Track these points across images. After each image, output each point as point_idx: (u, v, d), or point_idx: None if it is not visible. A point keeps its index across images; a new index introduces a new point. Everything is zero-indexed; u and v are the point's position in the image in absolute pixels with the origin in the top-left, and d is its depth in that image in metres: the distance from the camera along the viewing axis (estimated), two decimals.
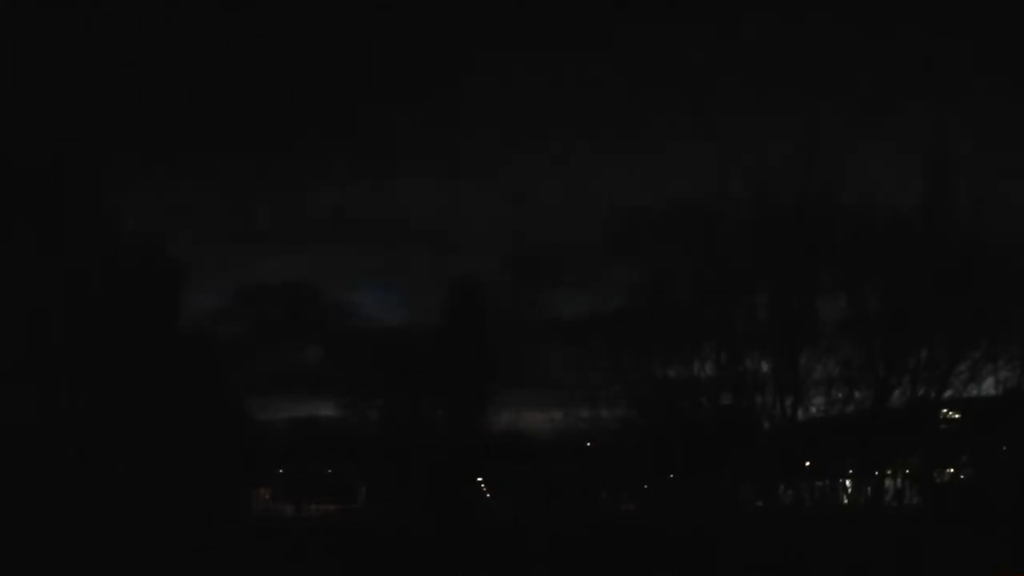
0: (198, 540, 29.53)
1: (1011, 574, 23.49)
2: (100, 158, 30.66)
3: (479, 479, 47.22)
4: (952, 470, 30.57)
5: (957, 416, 29.15)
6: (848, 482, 28.19)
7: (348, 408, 44.57)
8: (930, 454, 29.16)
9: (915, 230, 26.39)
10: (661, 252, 28.37)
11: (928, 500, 28.92)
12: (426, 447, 42.27)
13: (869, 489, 26.95)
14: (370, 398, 44.09)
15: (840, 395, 26.58)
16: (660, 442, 29.12)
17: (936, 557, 24.45)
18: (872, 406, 26.29)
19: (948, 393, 26.56)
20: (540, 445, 43.56)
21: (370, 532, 36.27)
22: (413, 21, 66.45)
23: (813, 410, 27.17)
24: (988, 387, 26.69)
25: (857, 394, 26.47)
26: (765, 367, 26.80)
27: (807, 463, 28.69)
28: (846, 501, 27.99)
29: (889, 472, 27.45)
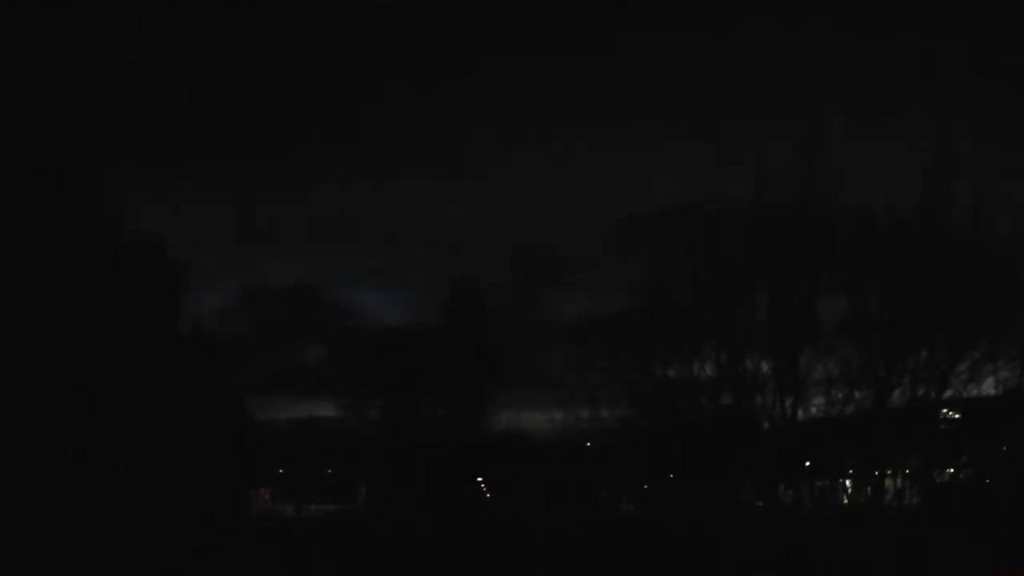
0: (198, 540, 29.52)
1: (1011, 574, 23.50)
2: (100, 158, 30.70)
3: (479, 479, 47.22)
4: (952, 470, 30.55)
5: (957, 416, 29.14)
6: (848, 482, 28.18)
7: (348, 408, 44.62)
8: (930, 454, 29.15)
9: (915, 230, 26.38)
10: (661, 252, 28.40)
11: (928, 500, 28.91)
12: (426, 447, 42.28)
13: (869, 489, 26.94)
14: (370, 398, 44.12)
15: (840, 395, 26.61)
16: (660, 442, 29.12)
17: (936, 557, 24.45)
18: (872, 406, 26.28)
19: (948, 393, 26.56)
20: (540, 445, 43.57)
21: (370, 532, 36.27)
22: (413, 22, 66.48)
23: (813, 410, 27.20)
24: (988, 387, 26.71)
25: (857, 394, 26.48)
26: (765, 367, 26.82)
27: (807, 463, 28.69)
28: (846, 501, 27.98)
29: (889, 472, 27.44)
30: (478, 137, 75.25)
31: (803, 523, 26.90)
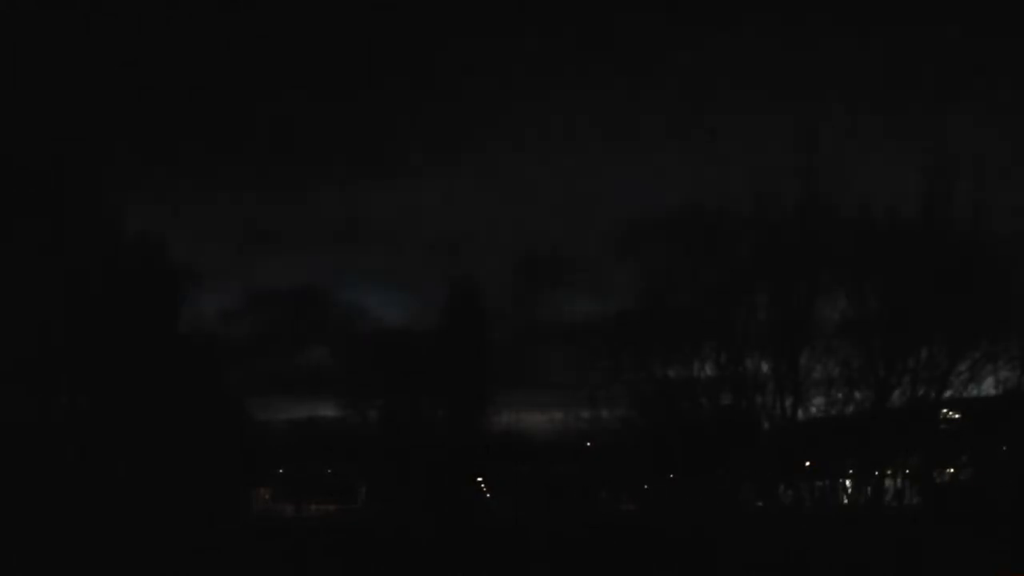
0: (198, 540, 29.52)
1: (1011, 574, 23.50)
2: (101, 159, 30.66)
3: (479, 479, 47.20)
4: (952, 470, 30.54)
5: (957, 416, 29.14)
6: (848, 482, 28.18)
7: (348, 408, 44.60)
8: (930, 454, 29.15)
9: (915, 230, 26.38)
10: (662, 253, 28.39)
11: (928, 500, 28.90)
12: (426, 447, 42.26)
13: (869, 489, 26.95)
14: (370, 398, 44.09)
15: (840, 395, 26.61)
16: (660, 442, 29.12)
17: (936, 557, 24.45)
18: (872, 406, 26.29)
19: (948, 393, 26.57)
20: (540, 445, 43.57)
21: (370, 532, 36.28)
22: (414, 22, 66.46)
23: (813, 410, 27.19)
24: (988, 387, 26.72)
25: (857, 394, 26.49)
26: (765, 367, 26.84)
27: (807, 463, 28.68)
28: (846, 501, 27.98)
29: (889, 472, 27.44)
30: (479, 138, 75.26)
31: (803, 523, 26.91)
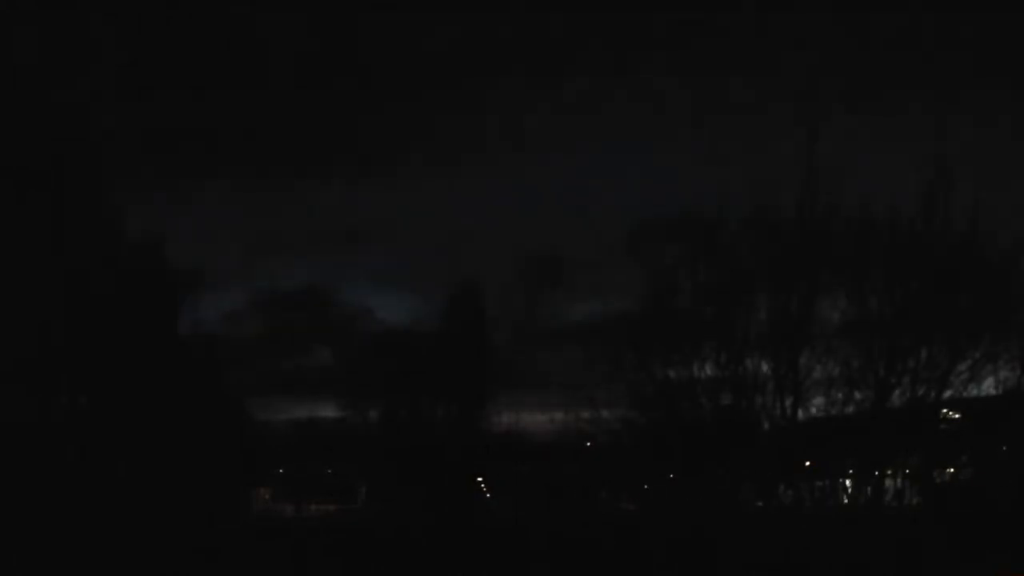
0: (198, 540, 29.53)
1: (1011, 574, 23.49)
2: (101, 158, 30.60)
3: (479, 479, 47.22)
4: (952, 470, 30.52)
5: (957, 416, 29.11)
6: (848, 482, 28.16)
7: (349, 408, 44.65)
8: (930, 454, 29.12)
9: (915, 230, 26.37)
10: (663, 254, 28.39)
11: (928, 500, 28.88)
12: (426, 447, 42.29)
13: (869, 489, 26.92)
14: (371, 398, 44.14)
15: (840, 395, 26.57)
16: (660, 442, 29.10)
17: (936, 557, 24.45)
18: (872, 406, 26.26)
19: (948, 393, 26.53)
20: (540, 445, 43.61)
21: (370, 532, 36.30)
22: (414, 23, 66.45)
23: (813, 410, 27.16)
24: (988, 387, 26.68)
25: (857, 394, 26.44)
26: (765, 367, 26.80)
27: (807, 463, 28.67)
28: (846, 501, 27.96)
29: (889, 472, 27.42)
30: (480, 139, 75.30)
31: (803, 523, 26.89)
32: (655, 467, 32.11)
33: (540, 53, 68.02)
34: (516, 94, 68.40)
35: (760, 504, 28.78)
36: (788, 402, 26.54)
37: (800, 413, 26.71)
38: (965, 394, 26.67)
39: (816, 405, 27.06)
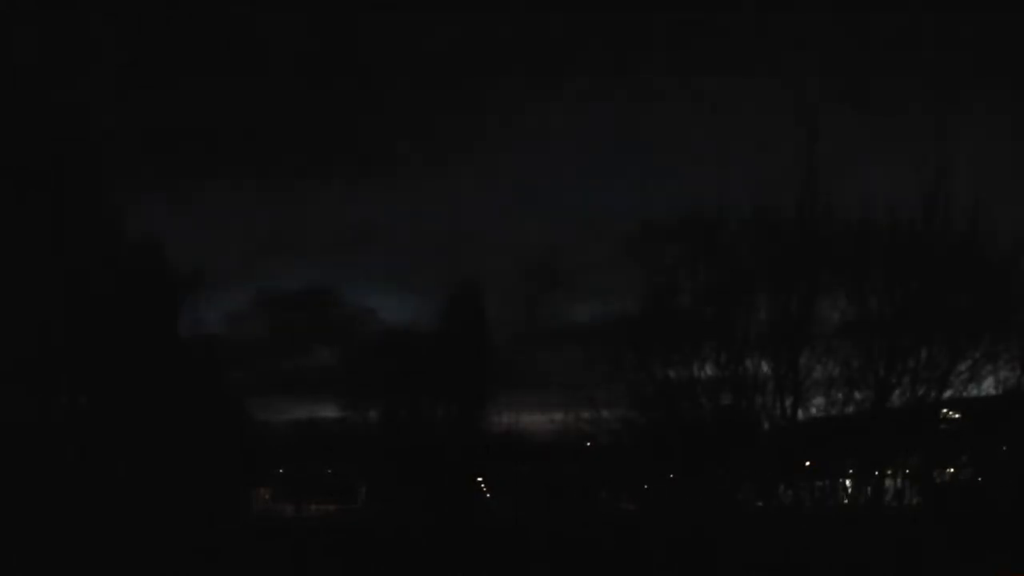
0: (198, 540, 29.53)
1: (1011, 574, 23.49)
2: (101, 158, 30.60)
3: (479, 479, 47.23)
4: (952, 470, 30.52)
5: (957, 416, 29.11)
6: (848, 482, 28.16)
7: (349, 408, 44.66)
8: (930, 454, 29.13)
9: (915, 230, 26.36)
10: (663, 255, 28.39)
11: (928, 500, 28.88)
12: (426, 447, 42.30)
13: (869, 489, 26.92)
14: (371, 398, 44.15)
15: (840, 395, 26.56)
16: (660, 442, 29.11)
17: (936, 557, 24.45)
18: (872, 406, 26.26)
19: (948, 393, 26.52)
20: (540, 445, 43.60)
21: (370, 532, 36.31)
22: (414, 24, 66.46)
23: (813, 410, 27.16)
24: (988, 387, 26.68)
25: (857, 394, 26.44)
26: (765, 368, 26.80)
27: (807, 463, 28.67)
28: (846, 501, 27.96)
29: (889, 472, 27.41)
30: (480, 140, 75.34)
31: (803, 523, 26.89)
32: (655, 467, 32.12)
33: (540, 53, 67.98)
34: (516, 94, 68.37)
35: (760, 504, 28.78)
36: (788, 402, 26.54)
37: (800, 413, 26.71)
38: (965, 394, 26.65)
39: (816, 405, 27.07)
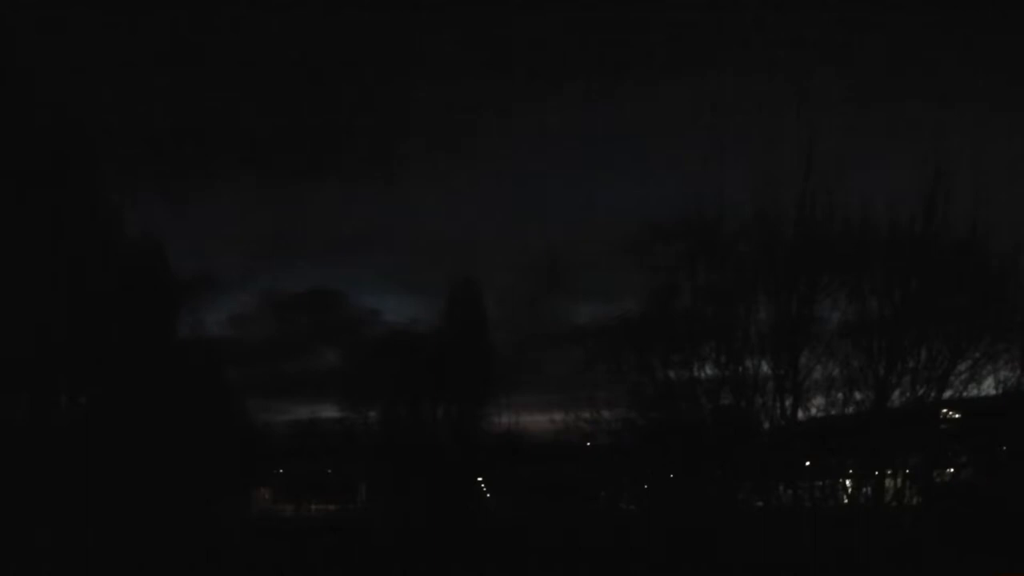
0: (199, 540, 29.54)
1: (1011, 574, 23.49)
2: (101, 158, 30.58)
3: (479, 479, 47.23)
4: (952, 470, 30.52)
5: (957, 416, 29.11)
6: (848, 482, 28.16)
7: (349, 408, 44.68)
8: (930, 454, 29.12)
9: (915, 231, 26.36)
10: (663, 255, 28.38)
11: (928, 500, 28.88)
12: (426, 447, 42.31)
13: (869, 489, 26.93)
14: (371, 398, 44.17)
15: (840, 395, 26.58)
16: (660, 442, 29.11)
17: (936, 557, 24.45)
18: (872, 406, 26.27)
19: (948, 393, 26.53)
20: (540, 446, 43.59)
21: (370, 532, 36.32)
22: (414, 25, 66.43)
23: (813, 410, 27.16)
24: (988, 387, 26.68)
25: (857, 394, 26.46)
26: (765, 368, 26.81)
27: (807, 463, 28.67)
28: (846, 501, 27.96)
29: (889, 472, 27.41)
30: (479, 139, 75.26)
31: (803, 523, 26.89)
32: (655, 467, 32.12)
33: (540, 53, 67.94)
34: (516, 94, 68.31)
35: (760, 504, 28.78)
36: (788, 402, 26.56)
37: (800, 413, 26.73)
38: (965, 394, 26.67)
39: (816, 405, 27.09)
